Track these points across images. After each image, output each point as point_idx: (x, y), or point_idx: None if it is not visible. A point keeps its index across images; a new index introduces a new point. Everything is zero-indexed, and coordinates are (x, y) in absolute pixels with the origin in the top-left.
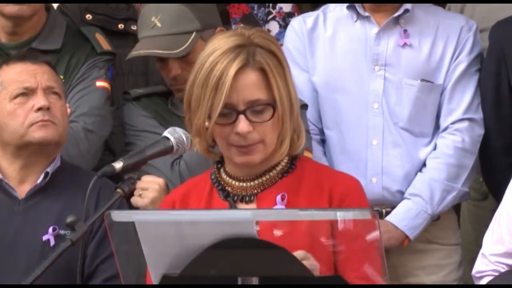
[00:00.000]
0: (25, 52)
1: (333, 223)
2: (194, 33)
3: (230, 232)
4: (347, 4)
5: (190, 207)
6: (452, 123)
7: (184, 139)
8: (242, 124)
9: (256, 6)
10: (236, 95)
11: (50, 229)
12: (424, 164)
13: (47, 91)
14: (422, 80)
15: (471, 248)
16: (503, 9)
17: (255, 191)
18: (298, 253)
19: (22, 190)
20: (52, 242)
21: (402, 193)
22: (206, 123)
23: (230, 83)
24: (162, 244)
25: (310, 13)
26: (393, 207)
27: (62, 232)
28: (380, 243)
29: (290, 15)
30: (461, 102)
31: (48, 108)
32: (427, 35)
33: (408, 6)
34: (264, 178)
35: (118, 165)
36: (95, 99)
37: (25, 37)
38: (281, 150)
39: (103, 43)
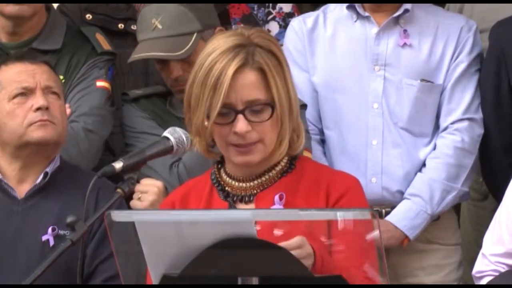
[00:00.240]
0: (23, 52)
1: (330, 223)
2: (195, 34)
3: (230, 232)
4: (347, 4)
5: (190, 207)
6: (452, 123)
7: (184, 139)
8: (241, 124)
9: (256, 6)
10: (235, 94)
11: (50, 229)
12: (423, 164)
13: (46, 91)
14: (422, 80)
15: (471, 248)
16: (502, 10)
17: (255, 191)
18: (296, 239)
19: (21, 190)
20: (51, 242)
21: (402, 193)
22: (206, 123)
23: (229, 82)
24: (162, 244)
25: (310, 13)
26: (392, 207)
27: (61, 232)
28: (380, 243)
29: (290, 15)
30: (461, 102)
31: (47, 108)
32: (427, 35)
33: (408, 6)
34: (263, 178)
35: (118, 165)
36: (96, 99)
37: (26, 37)
38: (280, 150)
39: (104, 43)
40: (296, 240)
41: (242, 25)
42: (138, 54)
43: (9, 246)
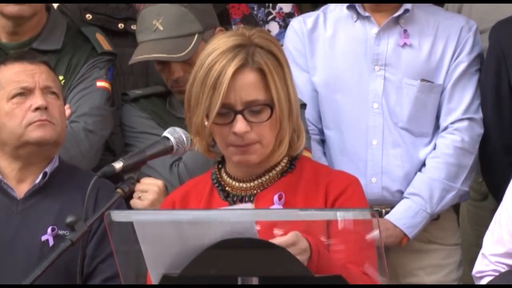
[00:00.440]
0: (22, 52)
1: (329, 223)
2: (196, 35)
3: (230, 232)
4: (347, 4)
5: (190, 207)
6: (452, 123)
7: (184, 139)
8: (240, 124)
9: (256, 6)
10: (234, 95)
11: (49, 229)
12: (423, 164)
13: (45, 91)
14: (422, 80)
15: (470, 249)
16: (500, 10)
17: (255, 191)
18: (290, 236)
19: (20, 190)
20: (51, 242)
21: (402, 193)
22: (206, 123)
23: (228, 82)
24: (162, 244)
25: (310, 13)
26: (392, 207)
27: (61, 232)
28: (380, 243)
29: (290, 15)
30: (461, 102)
31: (46, 108)
32: (427, 35)
33: (408, 6)
34: (263, 179)
35: (118, 165)
36: (96, 99)
37: (26, 37)
38: (280, 150)
39: (104, 43)
40: (290, 236)
41: (242, 25)
42: (139, 55)
43: (9, 246)
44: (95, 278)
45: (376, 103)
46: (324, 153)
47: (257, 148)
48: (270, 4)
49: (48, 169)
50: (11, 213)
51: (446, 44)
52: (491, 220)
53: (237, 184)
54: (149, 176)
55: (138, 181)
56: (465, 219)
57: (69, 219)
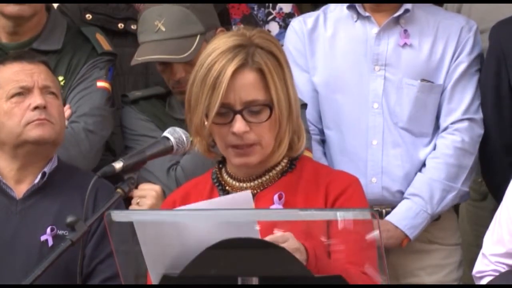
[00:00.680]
0: (21, 51)
1: (329, 223)
2: (198, 36)
3: (230, 232)
4: (348, 4)
5: None
6: (452, 123)
7: (184, 139)
8: (239, 124)
9: (256, 6)
10: (233, 95)
11: (48, 229)
12: (423, 164)
13: (43, 91)
14: (422, 80)
15: (470, 249)
16: (499, 10)
17: (255, 191)
18: (278, 233)
19: (19, 190)
20: (50, 242)
21: (402, 193)
22: (206, 123)
23: (227, 82)
24: (162, 244)
25: (311, 13)
26: (393, 207)
27: (60, 232)
28: (380, 243)
29: (290, 15)
30: (461, 102)
31: (44, 107)
32: (427, 35)
33: (408, 6)
34: (264, 178)
35: (118, 165)
36: (96, 99)
37: (26, 38)
38: (279, 151)
39: (104, 43)
40: (279, 234)
41: (242, 25)
42: (141, 56)
43: (8, 246)
44: (94, 278)
45: (376, 103)
46: (324, 153)
47: (257, 150)
48: (270, 4)
49: (47, 169)
50: (10, 213)
51: (446, 44)
52: (491, 220)
53: (237, 183)
54: (147, 179)
55: (136, 187)
56: (464, 219)
57: (69, 219)
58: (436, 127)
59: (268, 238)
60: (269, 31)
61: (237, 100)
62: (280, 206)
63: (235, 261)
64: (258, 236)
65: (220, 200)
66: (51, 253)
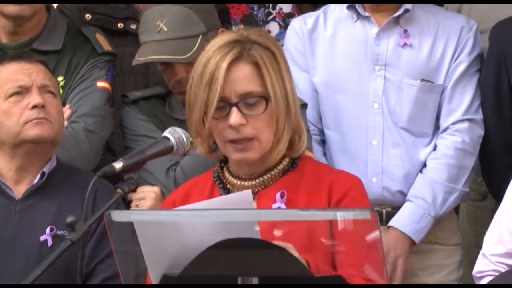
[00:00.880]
0: (20, 51)
1: (332, 223)
2: (200, 37)
3: (230, 232)
4: (347, 4)
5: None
6: (452, 124)
7: (184, 139)
8: (234, 116)
9: (256, 6)
10: (229, 87)
11: (48, 229)
12: (424, 165)
13: (42, 90)
14: (422, 80)
15: (470, 249)
16: (499, 10)
17: (256, 189)
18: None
19: (19, 191)
20: (49, 242)
21: (402, 193)
22: (205, 122)
23: (224, 76)
24: (162, 244)
25: (311, 13)
26: (393, 207)
27: (59, 232)
28: (380, 243)
29: (290, 15)
30: (461, 103)
31: (43, 106)
32: (427, 35)
33: (408, 6)
34: (265, 177)
35: (118, 165)
36: (96, 99)
37: (26, 38)
38: (278, 148)
39: (104, 43)
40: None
41: (242, 25)
42: (143, 56)
43: (7, 247)
44: (94, 278)
45: (376, 103)
46: (324, 154)
47: (255, 145)
48: (270, 4)
49: (46, 169)
50: (9, 213)
51: (446, 44)
52: (491, 220)
53: (238, 182)
54: (146, 179)
55: (135, 190)
56: (464, 219)
57: (69, 219)
58: (436, 127)
59: None
60: (269, 31)
61: (233, 92)
62: (283, 204)
63: (235, 261)
64: (258, 236)
65: (220, 200)
66: (51, 253)
